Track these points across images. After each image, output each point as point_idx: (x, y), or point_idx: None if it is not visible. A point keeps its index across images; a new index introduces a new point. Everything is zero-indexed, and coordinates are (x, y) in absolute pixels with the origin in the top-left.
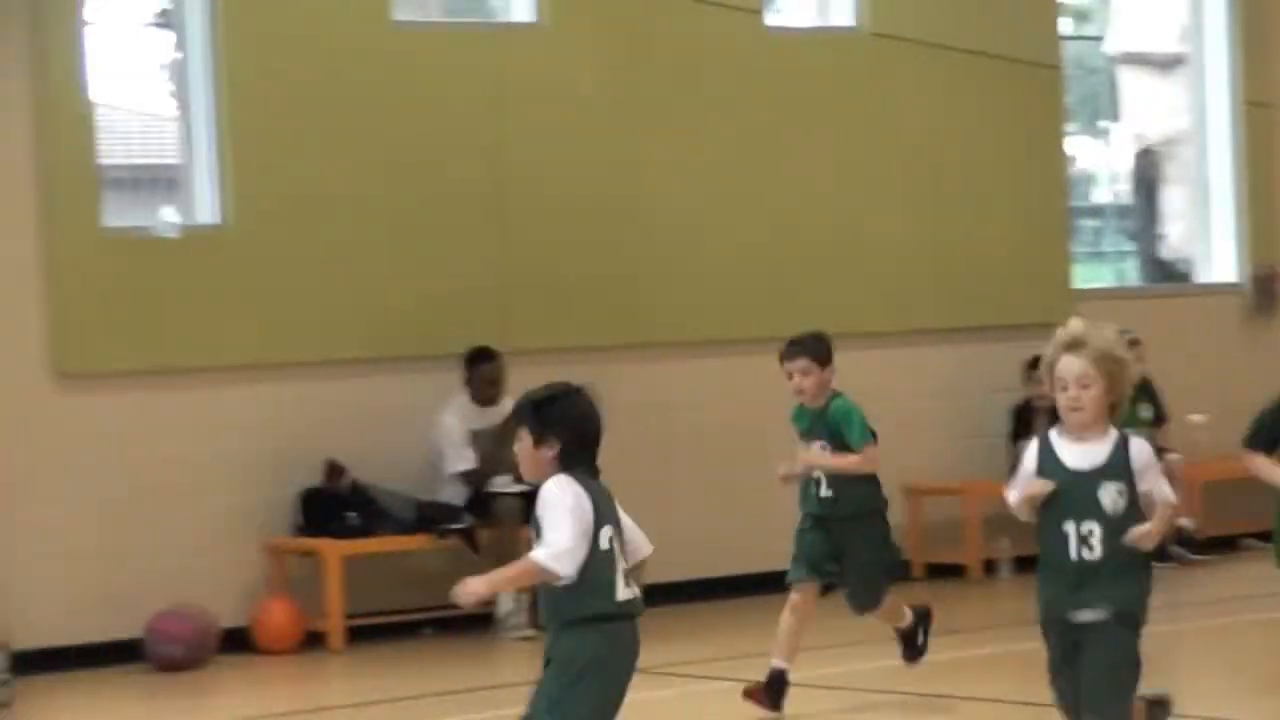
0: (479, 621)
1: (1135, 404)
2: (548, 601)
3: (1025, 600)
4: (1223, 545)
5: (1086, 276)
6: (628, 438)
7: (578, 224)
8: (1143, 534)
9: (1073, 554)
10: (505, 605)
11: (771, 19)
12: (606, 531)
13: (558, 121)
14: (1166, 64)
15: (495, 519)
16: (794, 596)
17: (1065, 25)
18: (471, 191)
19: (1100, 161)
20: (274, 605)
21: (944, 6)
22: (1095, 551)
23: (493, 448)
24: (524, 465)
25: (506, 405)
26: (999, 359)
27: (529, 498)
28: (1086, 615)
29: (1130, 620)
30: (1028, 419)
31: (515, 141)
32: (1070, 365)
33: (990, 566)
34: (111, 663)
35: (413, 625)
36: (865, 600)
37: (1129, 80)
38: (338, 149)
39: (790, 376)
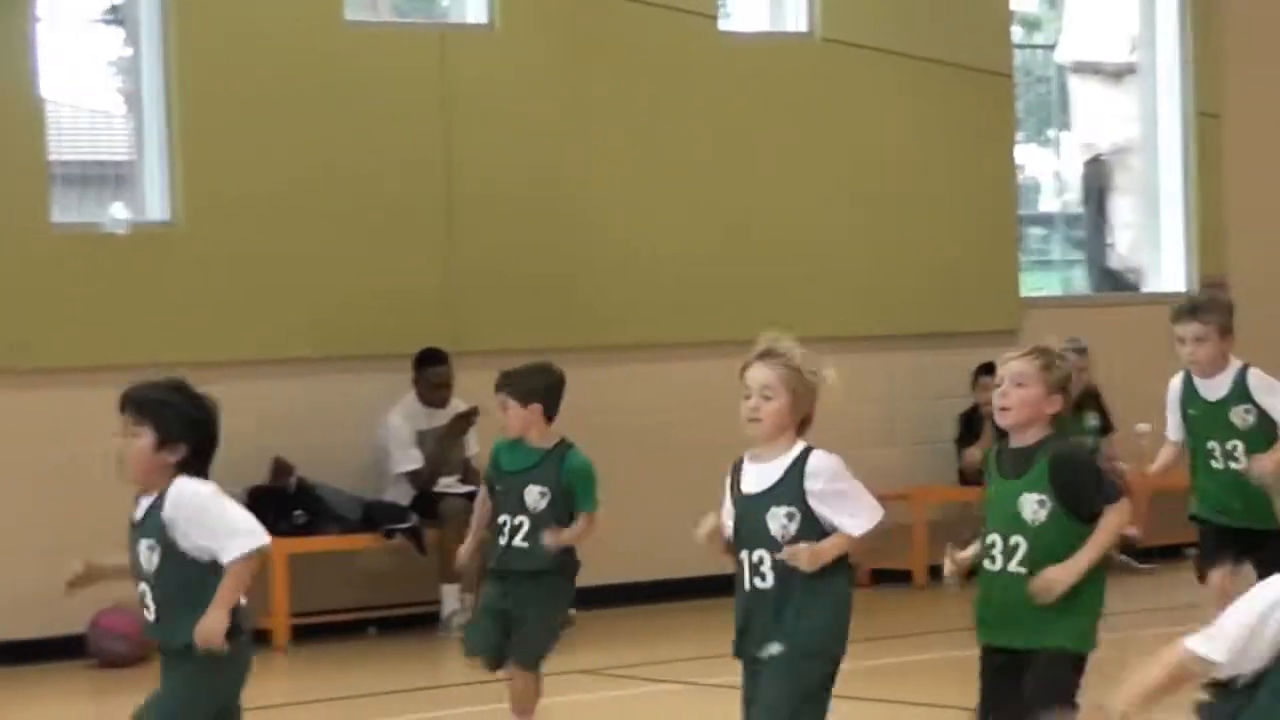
0: (424, 621)
1: (1082, 413)
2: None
3: (970, 607)
4: (1167, 554)
5: (1033, 285)
6: (574, 439)
7: (528, 225)
8: (794, 552)
9: (748, 583)
10: (450, 605)
11: (724, 24)
12: None
13: (509, 123)
14: (1117, 73)
15: (440, 519)
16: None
17: (1016, 33)
18: (422, 191)
19: (1048, 170)
20: None
21: (896, 13)
22: (767, 580)
23: (438, 449)
24: (135, 464)
25: (455, 406)
26: (947, 365)
27: (474, 498)
28: (762, 650)
29: (808, 654)
30: (975, 425)
31: (466, 142)
32: (755, 374)
33: (936, 572)
34: (54, 658)
35: (358, 624)
36: (528, 658)
37: (1079, 89)
38: (288, 147)
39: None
